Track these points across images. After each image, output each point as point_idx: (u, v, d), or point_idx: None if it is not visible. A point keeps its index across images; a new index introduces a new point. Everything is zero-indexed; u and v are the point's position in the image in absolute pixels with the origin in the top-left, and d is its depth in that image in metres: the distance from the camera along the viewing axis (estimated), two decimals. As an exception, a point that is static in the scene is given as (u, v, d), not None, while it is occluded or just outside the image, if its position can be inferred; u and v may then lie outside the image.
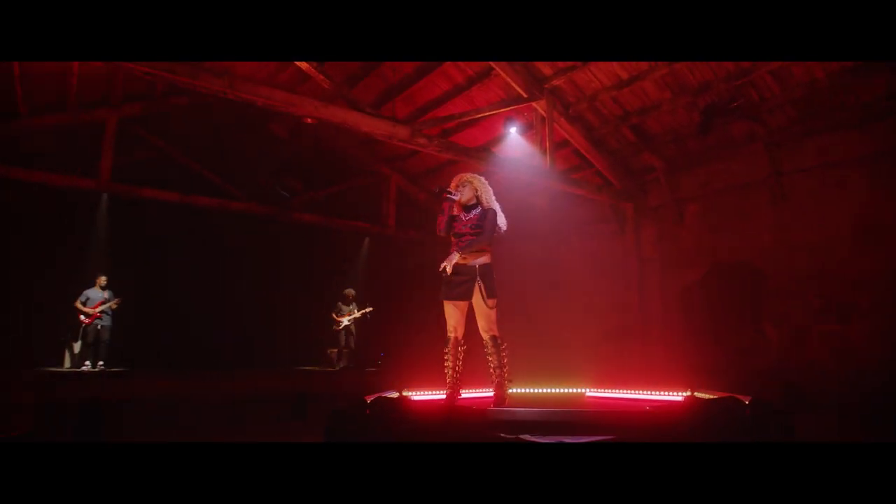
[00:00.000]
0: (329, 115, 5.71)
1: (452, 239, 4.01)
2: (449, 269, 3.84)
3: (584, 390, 5.09)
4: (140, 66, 4.70)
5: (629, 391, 4.78)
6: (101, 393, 5.82)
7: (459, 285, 3.90)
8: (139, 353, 8.88)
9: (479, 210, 4.02)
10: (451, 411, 3.26)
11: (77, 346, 8.74)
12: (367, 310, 10.57)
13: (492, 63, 7.41)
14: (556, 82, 7.59)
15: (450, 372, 3.93)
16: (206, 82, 4.97)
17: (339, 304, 10.63)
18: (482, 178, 4.12)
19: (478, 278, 3.90)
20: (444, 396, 4.00)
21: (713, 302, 7.92)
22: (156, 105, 8.20)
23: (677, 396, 4.29)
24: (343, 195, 11.08)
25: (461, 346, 3.96)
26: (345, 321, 10.53)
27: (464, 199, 4.02)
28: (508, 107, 7.69)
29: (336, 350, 10.59)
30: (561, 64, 7.36)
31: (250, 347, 10.35)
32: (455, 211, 4.02)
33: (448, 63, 8.02)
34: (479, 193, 4.04)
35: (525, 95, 7.62)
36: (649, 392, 4.58)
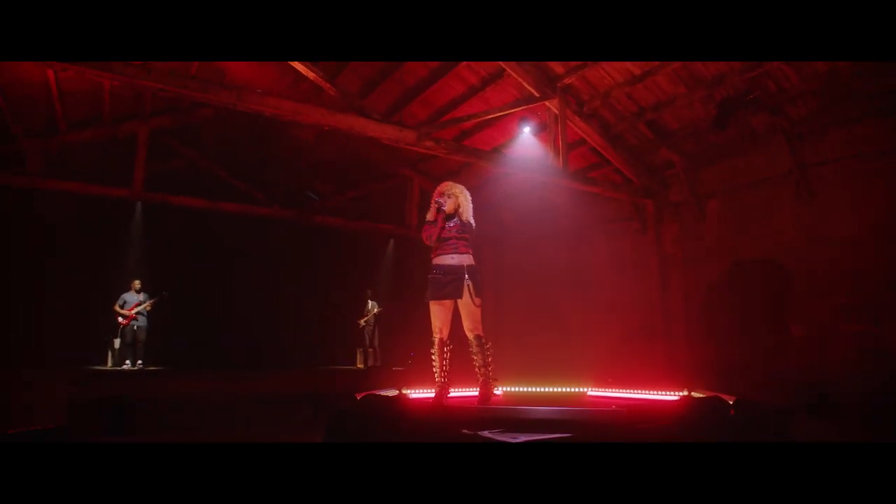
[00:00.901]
0: (335, 123, 5.89)
1: (436, 244, 4.09)
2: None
3: (585, 389, 5.09)
4: (155, 84, 4.99)
5: (629, 391, 4.75)
6: (127, 391, 6.19)
7: (447, 285, 3.98)
8: (169, 354, 9.38)
9: (456, 220, 4.09)
10: (431, 409, 3.35)
11: (117, 346, 9.30)
12: (376, 311, 10.89)
13: (501, 63, 7.44)
14: (568, 81, 7.55)
15: (437, 371, 4.03)
16: (215, 95, 5.22)
17: (370, 303, 11.03)
18: (465, 191, 4.19)
19: (466, 277, 3.98)
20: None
21: (736, 300, 7.70)
22: (184, 117, 8.61)
23: (672, 396, 4.24)
24: (367, 198, 11.32)
25: (447, 345, 4.04)
26: (363, 322, 10.88)
27: (448, 209, 4.09)
28: (521, 107, 7.69)
29: (362, 349, 10.91)
30: (572, 62, 7.32)
31: (280, 348, 10.73)
32: (441, 220, 4.08)
33: (461, 65, 8.09)
34: (461, 209, 4.11)
35: (537, 95, 7.61)
36: (647, 392, 4.55)
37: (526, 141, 8.02)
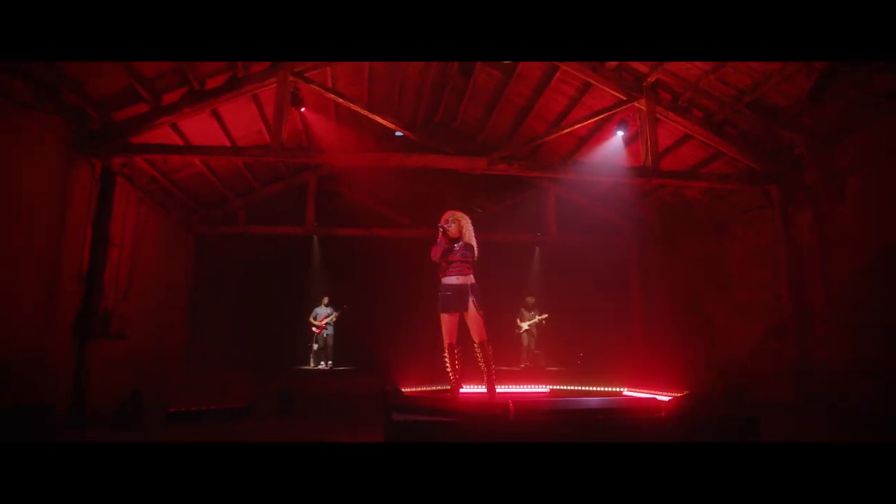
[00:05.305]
0: (413, 162, 7.01)
1: (443, 264, 4.90)
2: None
3: (622, 389, 5.30)
4: (274, 158, 6.75)
5: (652, 392, 4.87)
6: (294, 385, 8.19)
7: (455, 300, 4.79)
8: (352, 356, 11.59)
9: (461, 243, 4.85)
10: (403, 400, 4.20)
11: (314, 350, 11.86)
12: (543, 317, 11.57)
13: (570, 69, 7.66)
14: (652, 78, 7.43)
15: (450, 371, 4.84)
16: (315, 158, 6.81)
17: (522, 310, 11.86)
18: (466, 217, 4.94)
19: (470, 293, 4.75)
20: (484, 390, 4.89)
21: (883, 292, 6.58)
22: (341, 164, 10.69)
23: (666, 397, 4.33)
24: (513, 208, 12.17)
25: (456, 349, 4.83)
26: (524, 325, 11.71)
27: (452, 233, 4.88)
28: (605, 113, 7.78)
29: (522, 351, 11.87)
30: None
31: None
32: (444, 241, 4.88)
33: (555, 79, 8.50)
34: (463, 231, 4.87)
35: (623, 98, 7.64)
36: (659, 393, 4.65)
37: (619, 144, 8.06)
